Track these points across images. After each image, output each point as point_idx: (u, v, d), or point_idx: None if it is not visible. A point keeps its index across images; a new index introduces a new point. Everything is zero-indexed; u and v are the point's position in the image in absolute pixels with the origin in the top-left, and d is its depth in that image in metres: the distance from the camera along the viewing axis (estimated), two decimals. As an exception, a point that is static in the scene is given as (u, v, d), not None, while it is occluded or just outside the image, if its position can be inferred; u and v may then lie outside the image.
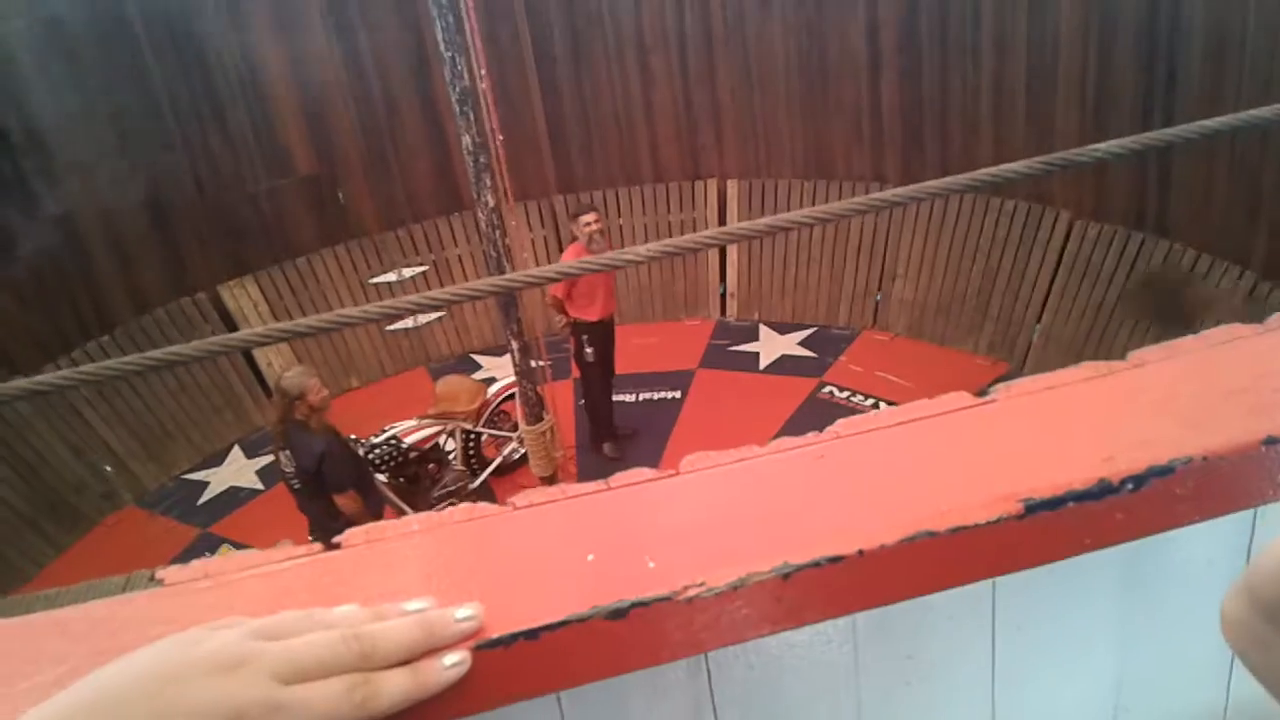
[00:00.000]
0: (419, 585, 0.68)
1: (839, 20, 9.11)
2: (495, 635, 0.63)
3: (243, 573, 0.73)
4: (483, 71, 5.47)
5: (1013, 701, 0.88)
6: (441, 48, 5.18)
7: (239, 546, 7.37)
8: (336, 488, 5.62)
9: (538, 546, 0.74)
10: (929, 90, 8.86)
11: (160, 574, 0.74)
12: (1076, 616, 0.86)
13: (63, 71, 8.04)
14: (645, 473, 0.79)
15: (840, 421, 0.81)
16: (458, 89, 5.25)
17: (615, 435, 8.00)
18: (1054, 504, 0.69)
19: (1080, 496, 0.69)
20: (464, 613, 0.64)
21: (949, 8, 8.47)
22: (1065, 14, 7.69)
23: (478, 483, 7.51)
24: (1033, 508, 0.68)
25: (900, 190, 1.11)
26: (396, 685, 0.59)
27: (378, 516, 5.97)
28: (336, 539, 0.75)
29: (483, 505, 0.78)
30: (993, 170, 1.13)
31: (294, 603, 0.65)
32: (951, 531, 0.67)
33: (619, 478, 0.79)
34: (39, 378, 1.04)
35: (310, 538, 5.70)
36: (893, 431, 0.80)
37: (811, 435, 0.81)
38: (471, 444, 7.59)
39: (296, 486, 5.78)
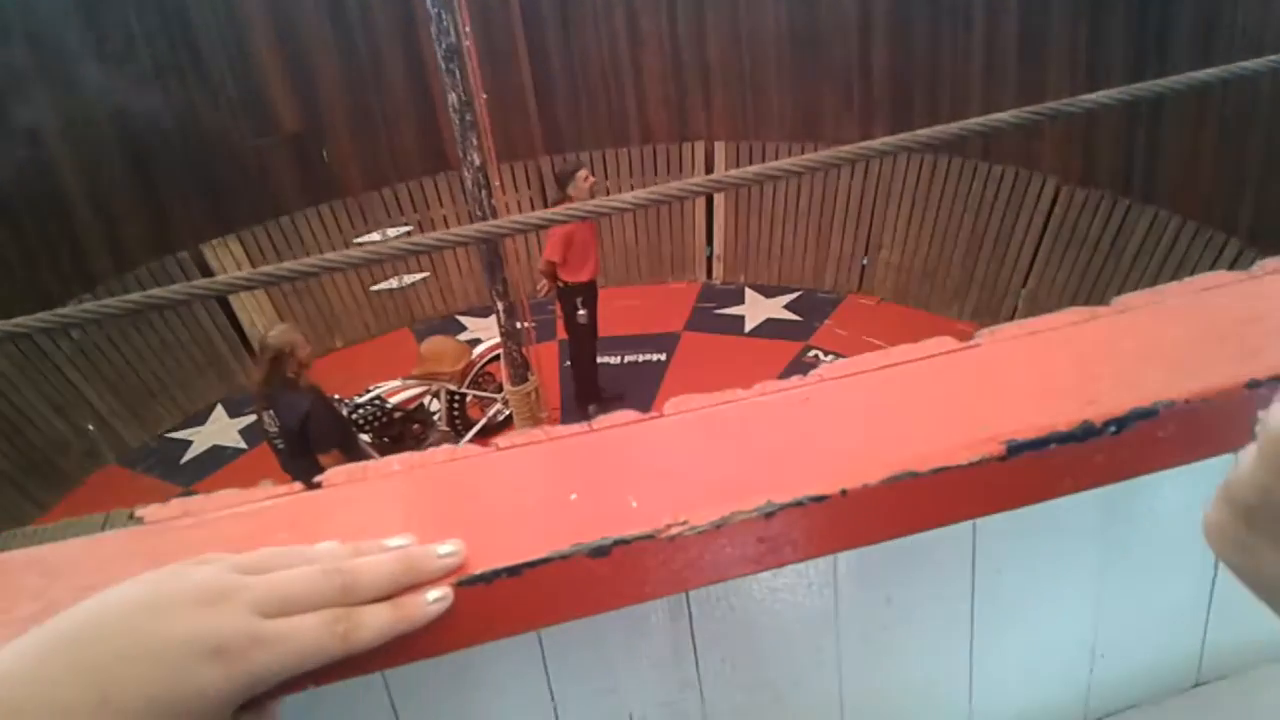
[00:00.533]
0: (400, 524, 0.68)
1: (829, -19, 9.05)
2: (477, 571, 0.63)
3: (223, 511, 0.73)
4: (468, 29, 5.42)
5: (991, 643, 0.89)
6: (428, 4, 5.12)
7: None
8: (321, 447, 5.61)
9: (520, 486, 0.73)
10: (919, 53, 8.81)
11: (140, 512, 0.74)
12: (1056, 559, 0.87)
13: (44, 23, 7.92)
14: (629, 415, 0.79)
15: (825, 365, 0.81)
16: (444, 45, 5.20)
17: (600, 397, 8.01)
18: (1036, 445, 0.69)
19: (1063, 439, 0.69)
20: (446, 549, 0.63)
21: (941, -32, 8.43)
22: (1058, -24, 7.66)
23: (462, 444, 7.49)
24: (1015, 449, 0.68)
25: (889, 139, 1.11)
26: (379, 619, 0.59)
27: None
28: (317, 478, 0.75)
29: (465, 446, 0.78)
30: (982, 120, 1.12)
31: (274, 541, 0.65)
32: (934, 472, 0.68)
33: (602, 420, 0.79)
34: (18, 319, 1.03)
35: None
36: (877, 375, 0.80)
37: (796, 379, 0.81)
38: (456, 405, 7.59)
39: (280, 446, 5.77)
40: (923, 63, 8.82)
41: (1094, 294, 7.85)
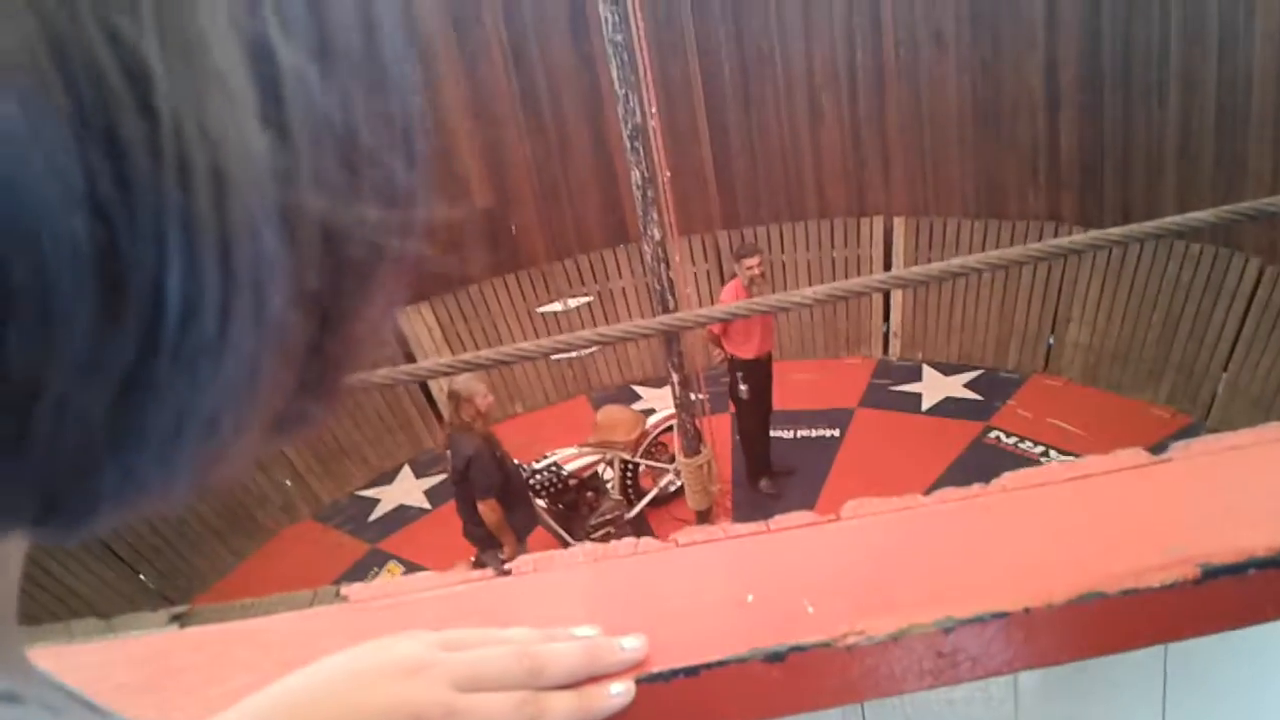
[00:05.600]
0: (584, 614, 0.71)
1: (1015, 56, 8.87)
2: (656, 669, 0.65)
3: (420, 593, 0.77)
4: (653, 109, 5.58)
5: (1185, 775, 0.84)
6: (615, 85, 5.31)
7: (405, 563, 7.68)
8: (479, 493, 5.83)
9: (698, 584, 0.75)
10: (1110, 128, 8.50)
11: (344, 591, 0.80)
12: (1257, 688, 0.82)
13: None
14: (806, 516, 0.80)
15: (1007, 475, 0.80)
16: (629, 125, 5.37)
17: (772, 472, 7.94)
18: (1234, 570, 0.66)
19: (1263, 564, 0.66)
20: (630, 643, 0.66)
21: (1133, 44, 8.12)
22: (1259, 51, 7.25)
23: (634, 513, 7.57)
24: (1211, 573, 0.66)
25: (1077, 238, 1.09)
26: (564, 705, 0.62)
27: (523, 536, 6.19)
28: (508, 565, 0.79)
29: (646, 540, 0.81)
30: (1178, 219, 1.09)
31: (467, 623, 0.69)
32: (1123, 594, 0.66)
33: (779, 520, 0.80)
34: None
35: (465, 537, 6.19)
36: (1063, 487, 0.78)
37: (977, 487, 0.80)
38: (629, 474, 7.66)
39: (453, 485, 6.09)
40: (1113, 140, 8.49)
41: (1305, 382, 7.31)
